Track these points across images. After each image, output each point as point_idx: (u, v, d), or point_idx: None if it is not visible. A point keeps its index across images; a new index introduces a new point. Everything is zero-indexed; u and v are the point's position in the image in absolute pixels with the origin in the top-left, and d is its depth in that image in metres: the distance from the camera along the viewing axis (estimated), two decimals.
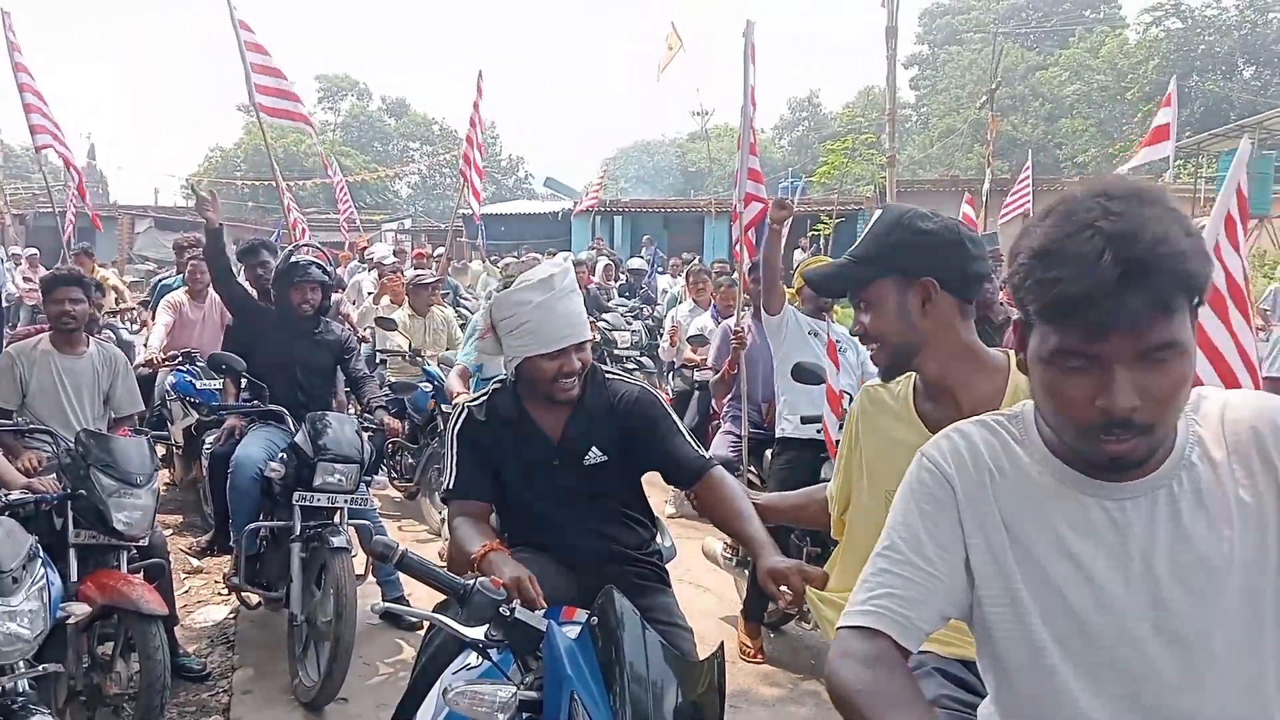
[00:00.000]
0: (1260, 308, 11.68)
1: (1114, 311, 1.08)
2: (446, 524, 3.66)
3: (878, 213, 1.93)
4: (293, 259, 4.68)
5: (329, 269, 4.76)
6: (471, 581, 1.77)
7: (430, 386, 6.38)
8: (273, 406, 4.51)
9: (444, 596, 1.94)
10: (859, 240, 1.93)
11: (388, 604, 1.95)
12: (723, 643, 1.98)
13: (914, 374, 1.89)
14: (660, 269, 16.22)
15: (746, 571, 4.32)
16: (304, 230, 8.38)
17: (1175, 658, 1.17)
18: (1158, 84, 36.22)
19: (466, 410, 2.54)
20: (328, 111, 56.07)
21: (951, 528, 1.24)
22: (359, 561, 4.48)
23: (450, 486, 2.48)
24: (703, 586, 5.27)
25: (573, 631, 1.78)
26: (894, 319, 1.82)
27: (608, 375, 2.57)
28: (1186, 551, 1.17)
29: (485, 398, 2.55)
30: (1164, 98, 9.71)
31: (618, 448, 2.48)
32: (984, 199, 14.64)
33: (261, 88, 6.98)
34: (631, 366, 9.12)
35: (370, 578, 4.64)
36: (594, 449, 2.46)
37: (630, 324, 10.82)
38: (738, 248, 5.49)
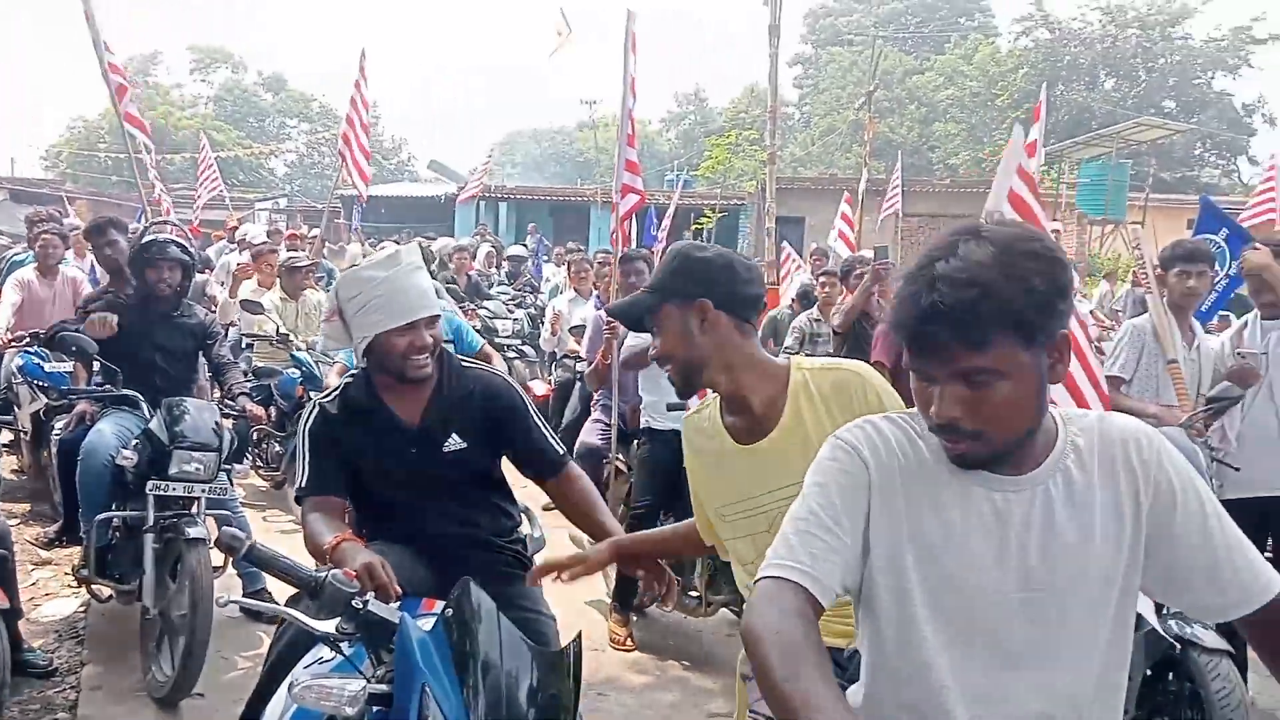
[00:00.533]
0: (1113, 308, 12.35)
1: (922, 340, 1.30)
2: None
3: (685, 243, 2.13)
4: (147, 236, 4.46)
5: (190, 247, 4.56)
6: (323, 574, 1.74)
7: (298, 372, 6.20)
8: (126, 391, 4.31)
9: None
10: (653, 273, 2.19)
11: (233, 598, 1.89)
12: (580, 631, 1.99)
13: (717, 395, 2.08)
14: (545, 257, 16.16)
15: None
16: (168, 208, 8.02)
17: (1035, 635, 1.34)
18: (1026, 91, 37.88)
19: (318, 406, 2.51)
20: (200, 84, 53.80)
21: (859, 501, 1.36)
22: (218, 553, 4.33)
23: (303, 485, 2.45)
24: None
25: (428, 623, 1.76)
26: (678, 339, 2.03)
27: (464, 364, 2.58)
28: (1056, 541, 1.34)
29: (338, 391, 2.52)
30: (1036, 108, 10.21)
31: (477, 435, 2.49)
32: (860, 198, 15.06)
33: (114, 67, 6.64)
34: (513, 355, 9.04)
35: (230, 569, 4.50)
36: (454, 436, 2.47)
37: (512, 312, 10.75)
38: (613, 237, 5.52)
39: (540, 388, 9.71)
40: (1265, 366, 3.87)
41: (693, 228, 22.14)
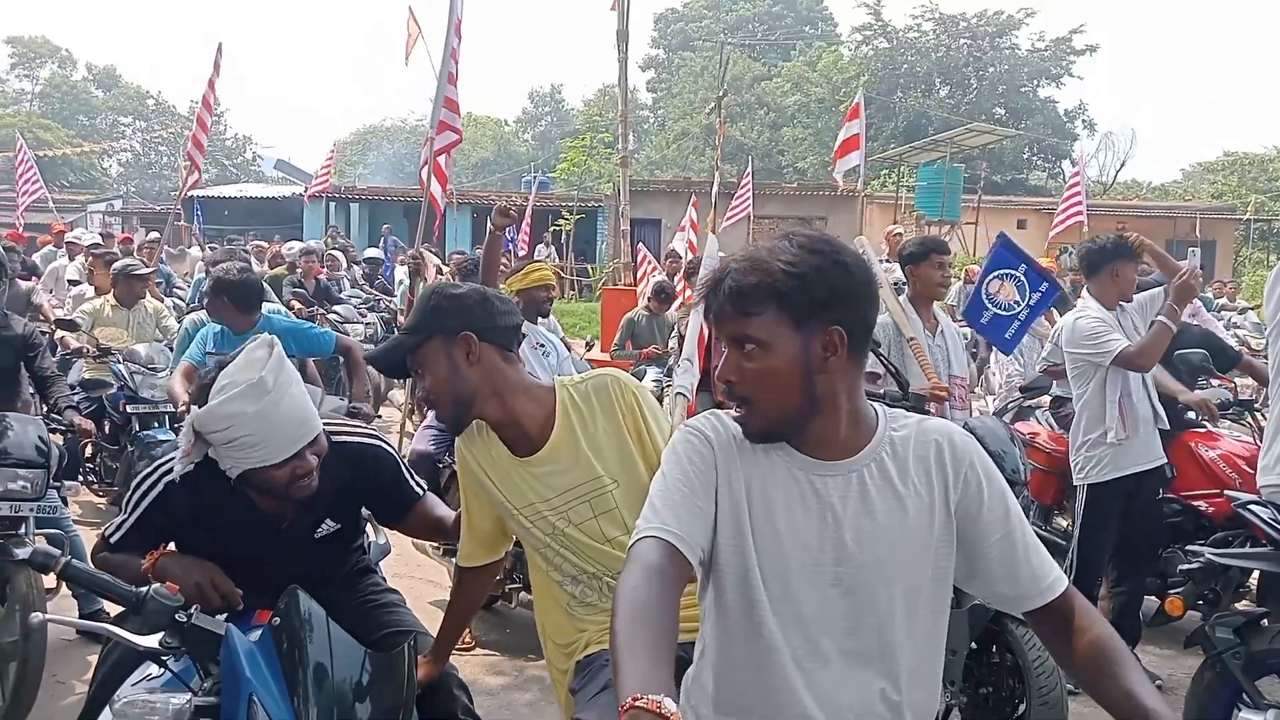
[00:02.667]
0: (949, 305, 13.01)
1: (713, 303, 1.50)
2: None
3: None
4: None
5: None
6: (145, 589, 1.71)
7: (118, 388, 5.94)
8: None
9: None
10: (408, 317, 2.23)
11: (46, 616, 1.81)
12: (415, 634, 2.02)
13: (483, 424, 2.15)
14: (401, 260, 15.88)
15: (453, 560, 4.38)
16: None
17: (848, 606, 1.47)
18: (867, 99, 39.39)
19: (163, 486, 2.24)
20: (23, 79, 50.45)
21: (709, 476, 1.50)
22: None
23: (112, 537, 2.27)
24: (427, 579, 5.27)
25: (256, 635, 1.76)
26: (446, 374, 2.08)
27: (337, 439, 2.33)
28: (868, 523, 1.47)
29: (193, 478, 2.20)
30: (850, 110, 10.68)
31: (350, 511, 2.43)
32: (713, 201, 15.39)
33: None
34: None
35: (65, 590, 4.28)
36: (327, 521, 2.36)
37: (365, 316, 10.55)
38: (423, 171, 5.49)
39: (399, 395, 9.59)
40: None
41: (551, 229, 22.16)
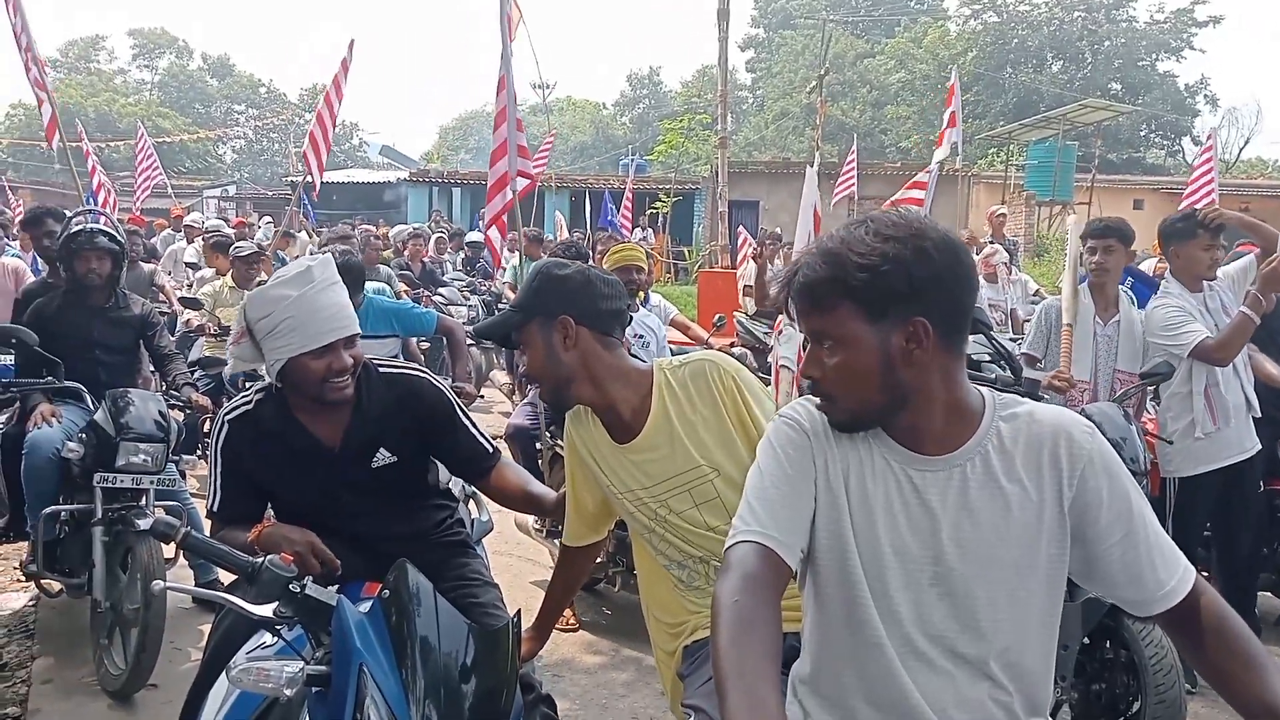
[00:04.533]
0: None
1: (794, 300, 1.47)
2: None
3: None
4: (74, 227, 4.40)
5: (118, 236, 4.50)
6: (260, 560, 1.76)
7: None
8: (70, 383, 4.27)
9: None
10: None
11: (165, 583, 1.88)
12: (519, 610, 2.04)
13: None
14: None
15: (558, 542, 4.41)
16: (107, 195, 7.88)
17: (947, 608, 1.42)
18: (975, 75, 38.30)
19: (225, 424, 2.35)
20: (143, 70, 52.71)
21: (808, 466, 1.46)
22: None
23: (214, 507, 2.36)
24: (527, 558, 5.34)
25: (366, 606, 1.79)
26: (543, 356, 2.10)
27: (386, 371, 2.45)
28: (968, 522, 1.41)
29: (248, 406, 2.36)
30: (946, 95, 10.33)
31: (407, 445, 2.40)
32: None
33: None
34: (469, 343, 9.02)
35: (182, 560, 4.48)
36: (381, 450, 2.37)
37: (468, 299, 10.72)
38: (489, 229, 5.48)
39: (501, 376, 9.73)
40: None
41: (648, 212, 22.17)
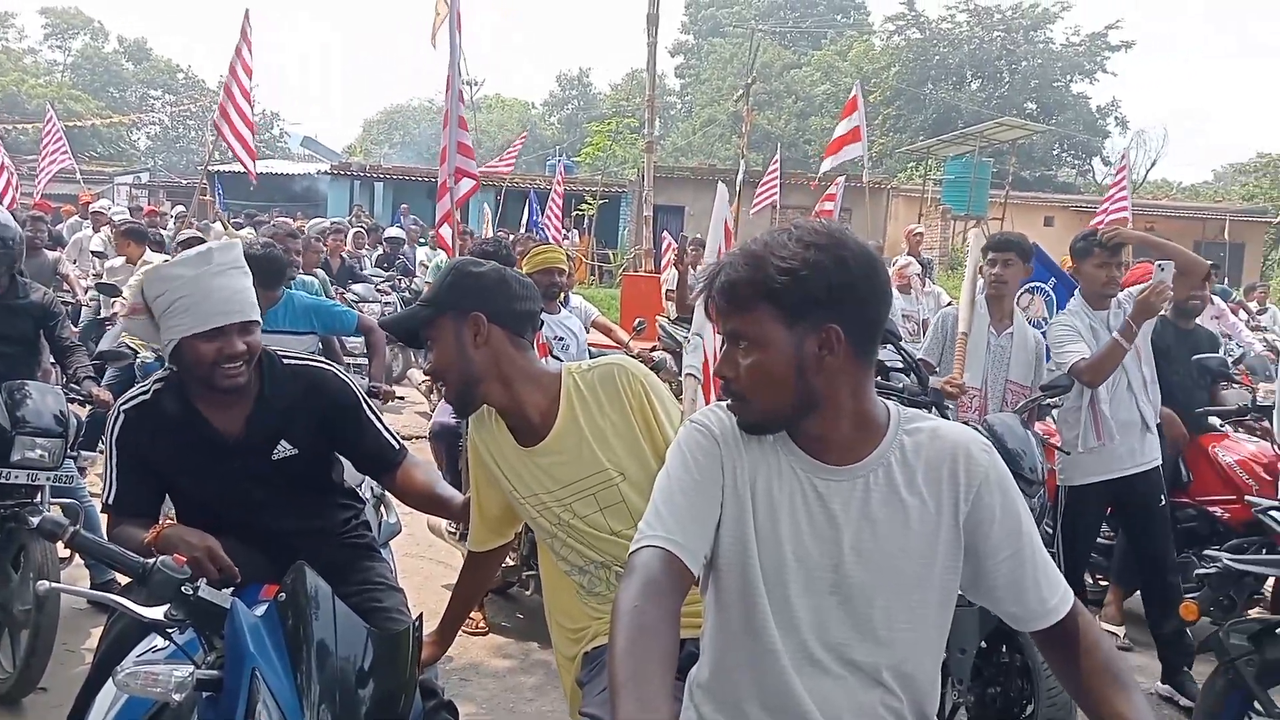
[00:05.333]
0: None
1: (711, 298, 1.48)
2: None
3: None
4: None
5: (10, 225, 4.32)
6: (152, 561, 1.71)
7: (153, 355, 5.96)
8: None
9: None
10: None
11: (57, 585, 1.81)
12: (420, 614, 2.02)
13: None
14: (422, 240, 15.92)
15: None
16: (10, 179, 7.57)
17: (845, 615, 1.44)
18: (897, 90, 39.12)
19: (122, 415, 2.29)
20: (55, 50, 50.83)
21: (715, 473, 1.47)
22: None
23: (109, 501, 2.29)
24: (439, 561, 5.29)
25: (263, 609, 1.76)
26: (453, 352, 2.07)
27: (288, 361, 2.41)
28: (869, 532, 1.44)
29: (146, 396, 2.31)
30: (847, 104, 10.52)
31: (309, 438, 2.36)
32: (738, 189, 15.30)
33: None
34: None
35: (77, 560, 4.32)
36: (283, 442, 2.33)
37: (385, 295, 10.58)
38: (439, 227, 5.42)
39: (419, 375, 9.61)
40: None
41: (574, 213, 22.13)
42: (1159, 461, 4.19)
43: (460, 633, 4.35)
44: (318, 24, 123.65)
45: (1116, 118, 41.38)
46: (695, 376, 4.39)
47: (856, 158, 11.48)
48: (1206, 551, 3.46)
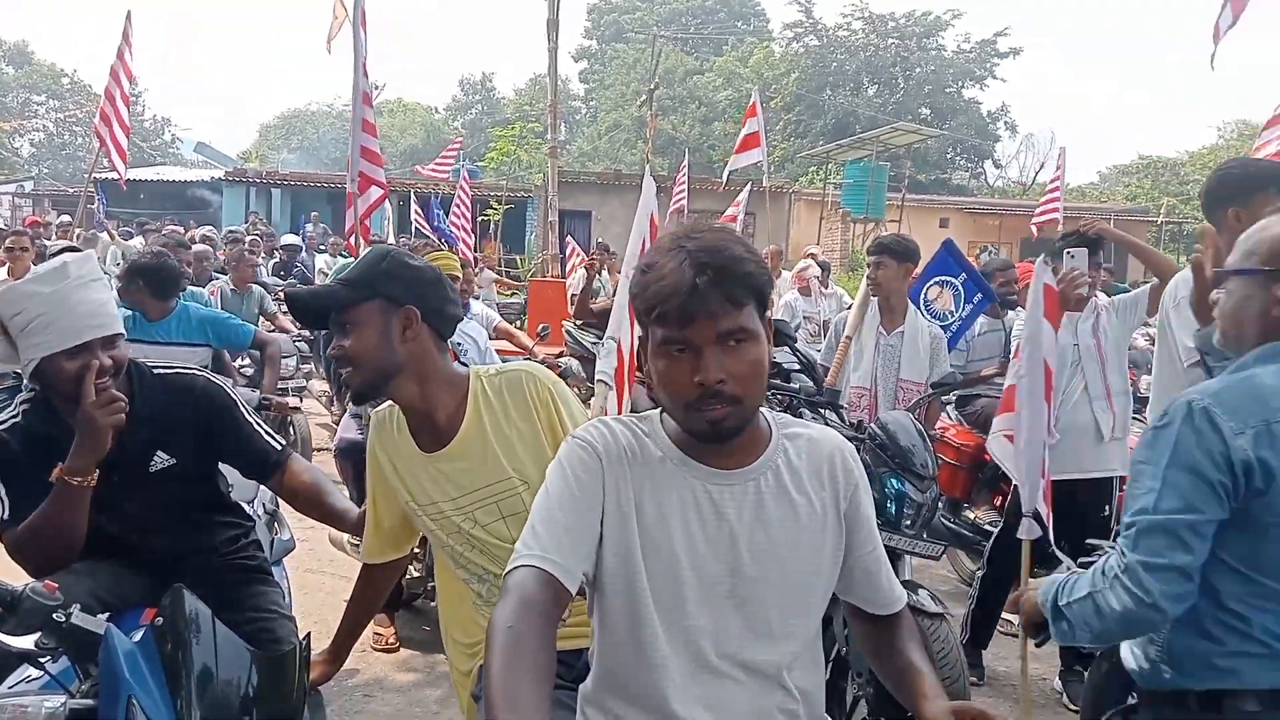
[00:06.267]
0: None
1: (695, 303, 1.38)
2: None
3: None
4: None
5: None
6: (21, 587, 1.64)
7: None
8: None
9: None
10: (348, 269, 2.14)
11: None
12: (308, 634, 1.98)
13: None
14: (322, 247, 15.59)
15: None
16: None
17: (742, 619, 1.47)
18: (797, 95, 39.82)
19: None
20: None
21: (596, 489, 1.46)
22: None
23: (5, 518, 2.20)
24: (341, 576, 5.18)
25: (139, 635, 1.70)
26: (375, 342, 1.98)
27: (158, 371, 2.34)
28: (763, 532, 1.47)
29: (17, 419, 2.23)
30: (747, 109, 10.68)
31: (187, 447, 2.29)
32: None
33: None
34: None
35: None
36: (159, 454, 2.26)
37: (281, 305, 10.31)
38: (350, 239, 5.34)
39: (319, 385, 9.38)
40: (1076, 357, 4.12)
41: (479, 219, 21.92)
42: (1116, 474, 4.14)
43: (370, 649, 4.35)
44: (210, 25, 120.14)
45: (1006, 122, 42.88)
46: (607, 382, 4.36)
47: (757, 162, 11.62)
48: (1089, 540, 3.58)
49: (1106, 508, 4.14)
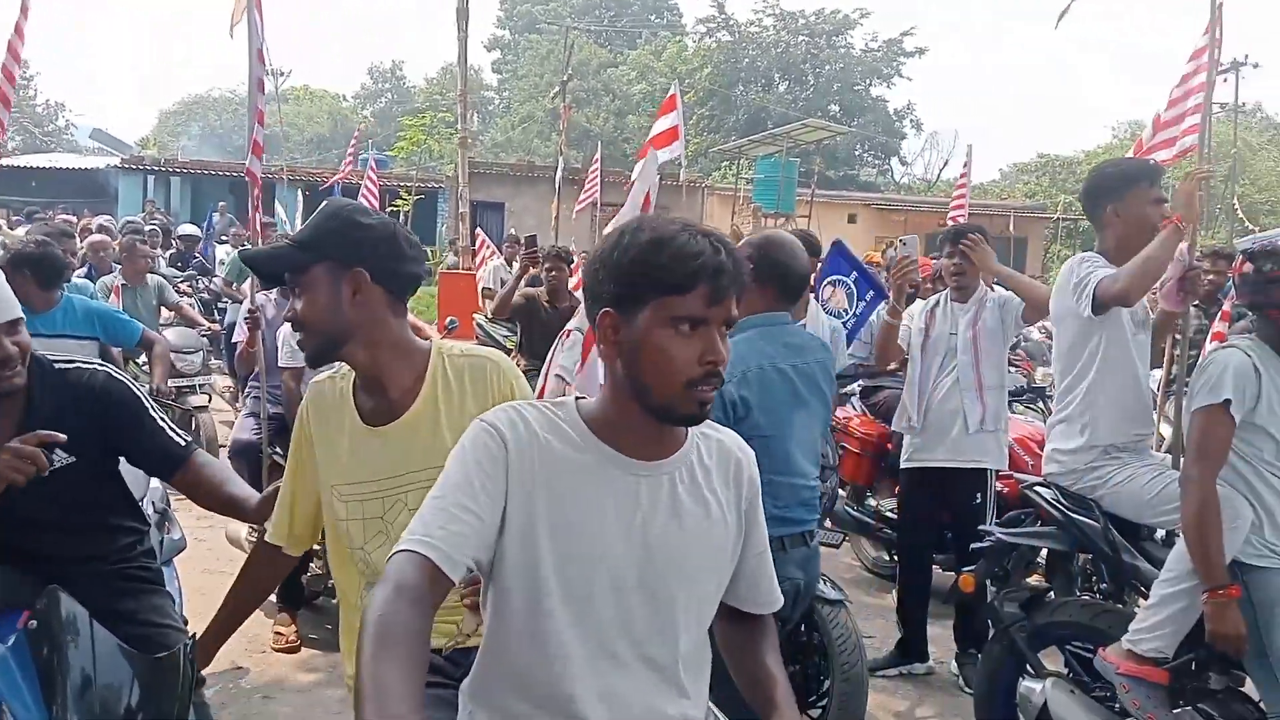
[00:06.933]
0: None
1: (727, 284, 1.42)
2: None
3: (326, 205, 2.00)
4: None
5: None
6: None
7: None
8: None
9: None
10: (302, 227, 2.02)
11: None
12: (194, 634, 1.92)
13: (353, 371, 1.98)
14: (224, 237, 15.14)
15: None
16: None
17: (648, 611, 1.47)
18: (710, 91, 40.11)
19: None
20: None
21: (499, 480, 1.42)
22: None
23: None
24: None
25: (11, 640, 1.63)
26: (323, 306, 1.89)
27: (59, 365, 2.25)
28: (675, 526, 1.48)
29: None
30: (667, 100, 10.73)
31: (87, 443, 2.19)
32: (557, 187, 15.30)
33: None
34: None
35: None
36: (58, 452, 2.14)
37: (185, 297, 9.99)
38: (250, 223, 5.24)
39: (223, 381, 9.11)
40: (952, 346, 4.21)
41: (389, 210, 21.56)
42: (987, 467, 4.18)
43: (270, 649, 4.24)
44: (107, 6, 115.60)
45: (912, 120, 43.88)
46: (564, 378, 4.25)
47: (676, 157, 11.66)
48: (981, 526, 3.70)
49: (979, 496, 4.21)
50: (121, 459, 2.33)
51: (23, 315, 2.15)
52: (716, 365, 1.42)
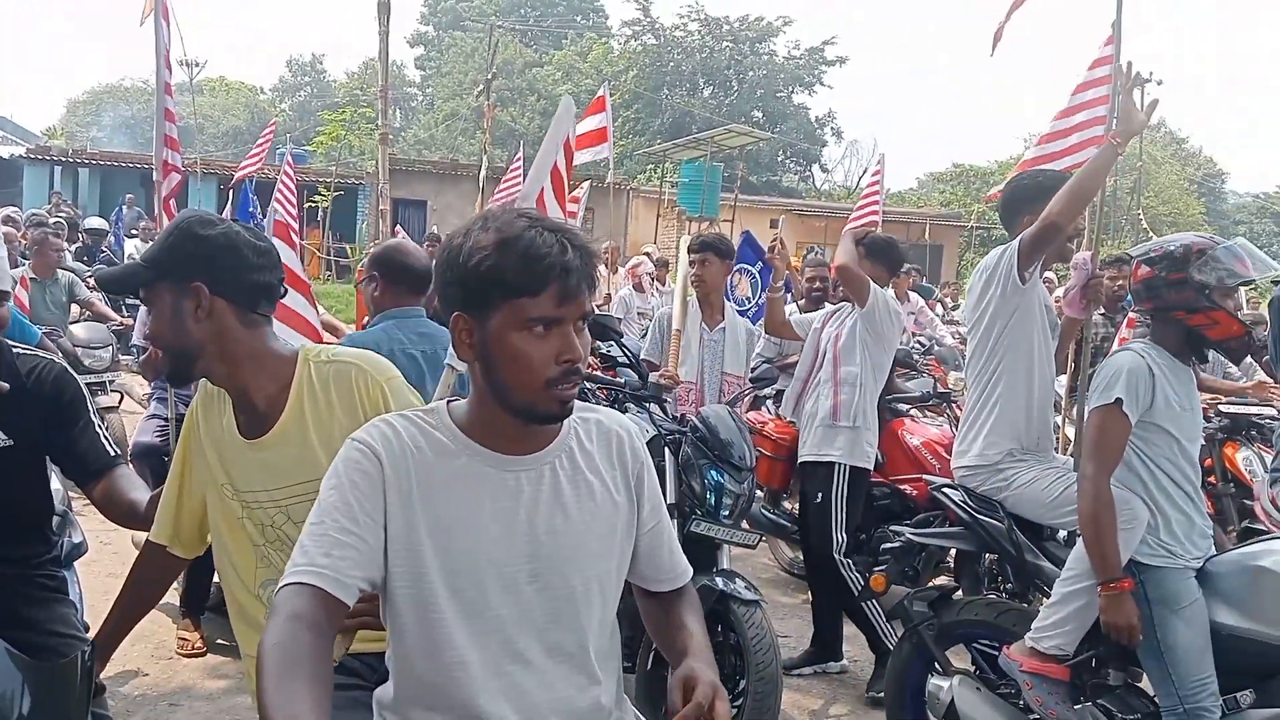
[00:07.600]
0: None
1: (578, 282, 1.41)
2: None
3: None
4: None
5: None
6: None
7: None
8: None
9: None
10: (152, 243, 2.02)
11: None
12: (93, 643, 1.86)
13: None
14: (133, 231, 14.69)
15: None
16: None
17: (544, 601, 1.48)
18: (635, 93, 40.21)
19: None
20: None
21: (377, 498, 1.41)
22: None
23: None
24: None
25: None
26: (169, 323, 1.87)
27: (18, 350, 2.20)
28: (560, 514, 1.49)
29: None
30: (592, 103, 10.76)
31: (25, 430, 2.14)
32: (480, 185, 15.16)
33: None
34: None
35: None
36: None
37: (96, 291, 9.65)
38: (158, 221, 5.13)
39: (140, 390, 8.80)
40: (827, 344, 4.39)
41: (307, 205, 21.13)
42: (833, 460, 4.25)
43: (176, 655, 4.13)
44: None
45: (833, 128, 44.58)
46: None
47: (603, 159, 11.65)
48: (892, 527, 3.78)
49: (820, 495, 4.28)
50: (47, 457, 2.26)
51: (9, 290, 2.13)
52: (574, 363, 1.43)
